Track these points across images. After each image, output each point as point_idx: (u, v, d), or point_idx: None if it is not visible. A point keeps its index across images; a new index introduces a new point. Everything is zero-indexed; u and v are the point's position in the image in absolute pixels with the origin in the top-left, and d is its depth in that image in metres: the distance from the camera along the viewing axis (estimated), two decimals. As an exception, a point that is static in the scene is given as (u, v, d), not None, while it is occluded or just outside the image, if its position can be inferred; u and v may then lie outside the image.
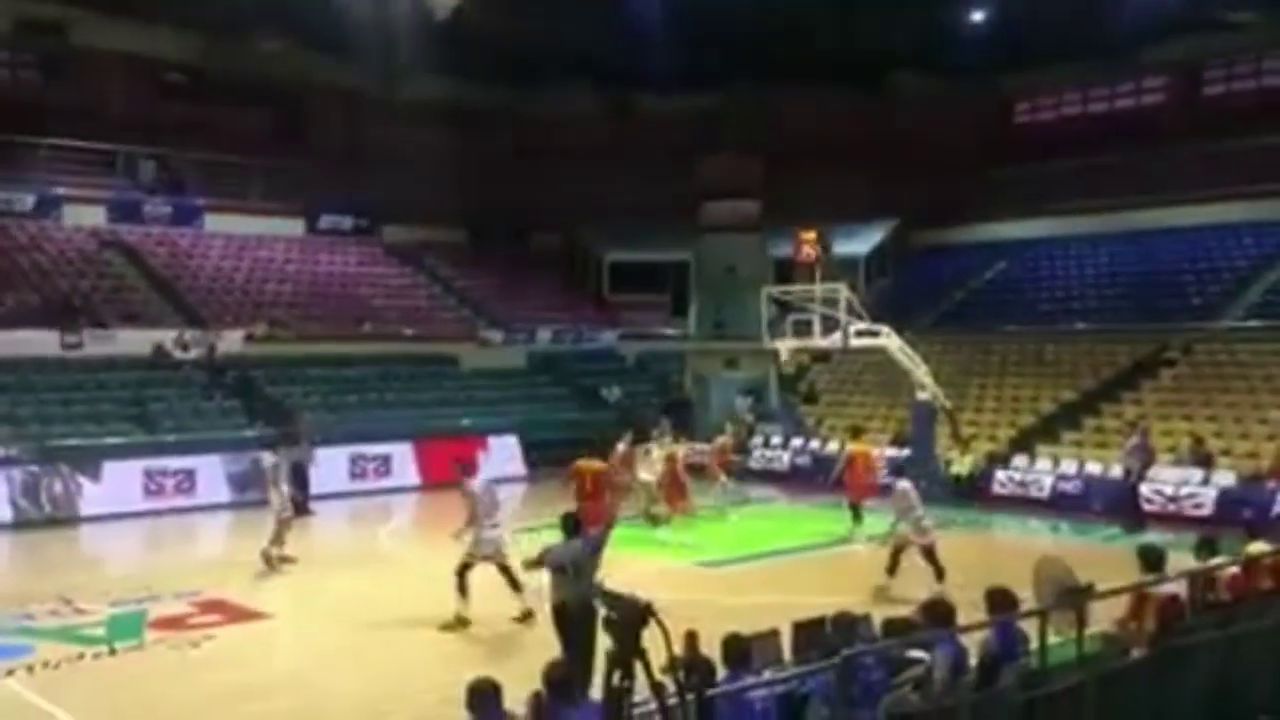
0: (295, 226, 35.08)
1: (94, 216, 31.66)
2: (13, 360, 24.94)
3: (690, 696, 4.61)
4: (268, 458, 18.14)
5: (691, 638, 8.34)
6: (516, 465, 27.42)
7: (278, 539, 16.81)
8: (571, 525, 11.13)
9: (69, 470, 22.01)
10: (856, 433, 21.57)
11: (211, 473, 23.42)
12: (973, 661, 7.33)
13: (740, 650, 7.19)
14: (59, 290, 27.81)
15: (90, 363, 26.21)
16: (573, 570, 10.40)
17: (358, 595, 15.05)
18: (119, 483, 22.27)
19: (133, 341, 27.07)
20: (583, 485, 17.38)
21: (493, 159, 36.19)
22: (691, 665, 7.12)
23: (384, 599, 14.72)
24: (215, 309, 29.75)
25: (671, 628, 4.36)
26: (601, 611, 6.46)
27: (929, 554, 14.65)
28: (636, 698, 4.29)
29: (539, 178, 35.89)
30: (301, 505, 20.39)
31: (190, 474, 23.26)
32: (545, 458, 25.81)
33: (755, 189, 35.58)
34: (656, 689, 4.29)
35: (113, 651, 12.46)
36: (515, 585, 13.22)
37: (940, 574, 14.31)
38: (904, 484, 15.41)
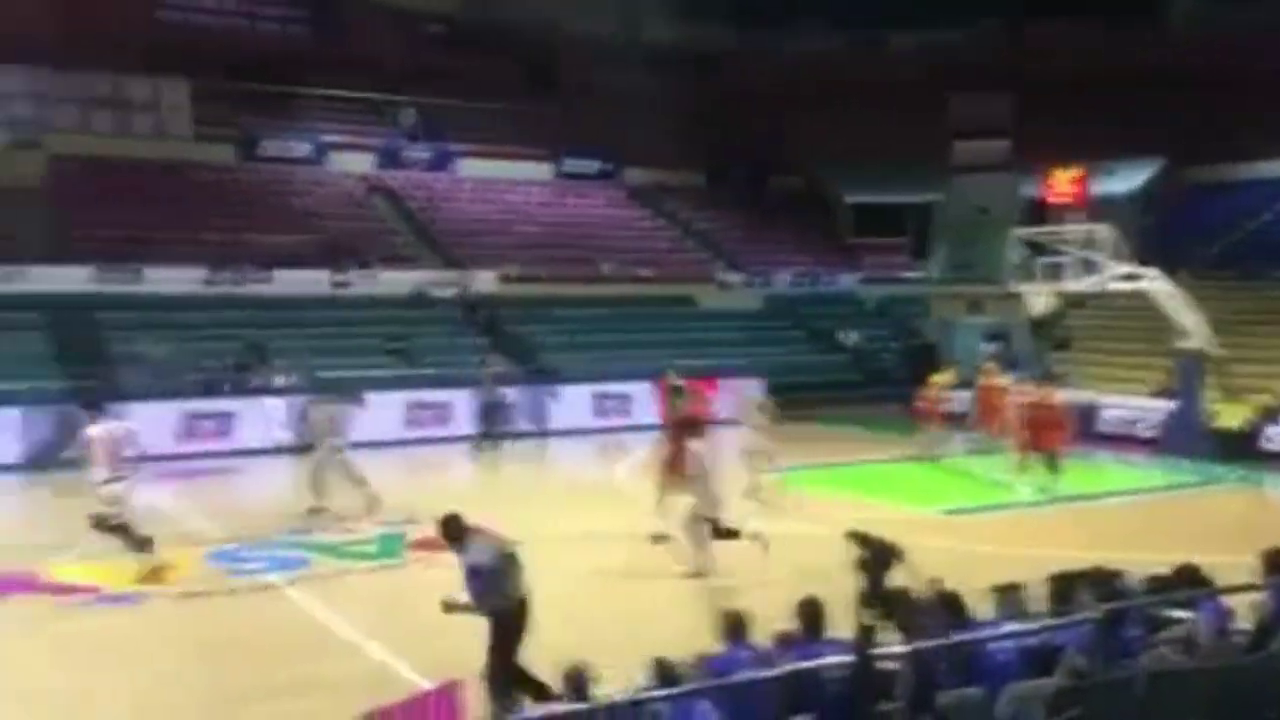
0: (543, 171, 36.12)
1: (360, 163, 33.61)
2: (288, 298, 26.96)
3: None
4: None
5: (937, 583, 8.19)
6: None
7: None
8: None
9: (338, 398, 23.63)
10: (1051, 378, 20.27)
11: (465, 406, 24.61)
12: (1240, 625, 6.90)
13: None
14: (329, 233, 29.74)
15: (356, 301, 28.00)
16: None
17: (598, 528, 15.49)
18: (381, 413, 23.68)
19: (394, 282, 28.71)
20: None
21: (732, 101, 36.08)
22: (933, 610, 6.97)
23: (621, 533, 15.08)
24: (468, 250, 31.09)
25: (920, 573, 4.30)
26: (853, 551, 6.45)
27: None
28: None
29: (778, 120, 35.54)
30: (491, 438, 22.71)
31: (446, 407, 24.54)
32: (778, 401, 25.67)
33: (1007, 127, 34.03)
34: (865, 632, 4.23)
35: (378, 568, 13.42)
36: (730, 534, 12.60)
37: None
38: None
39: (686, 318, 31.72)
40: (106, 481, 12.41)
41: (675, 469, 13.98)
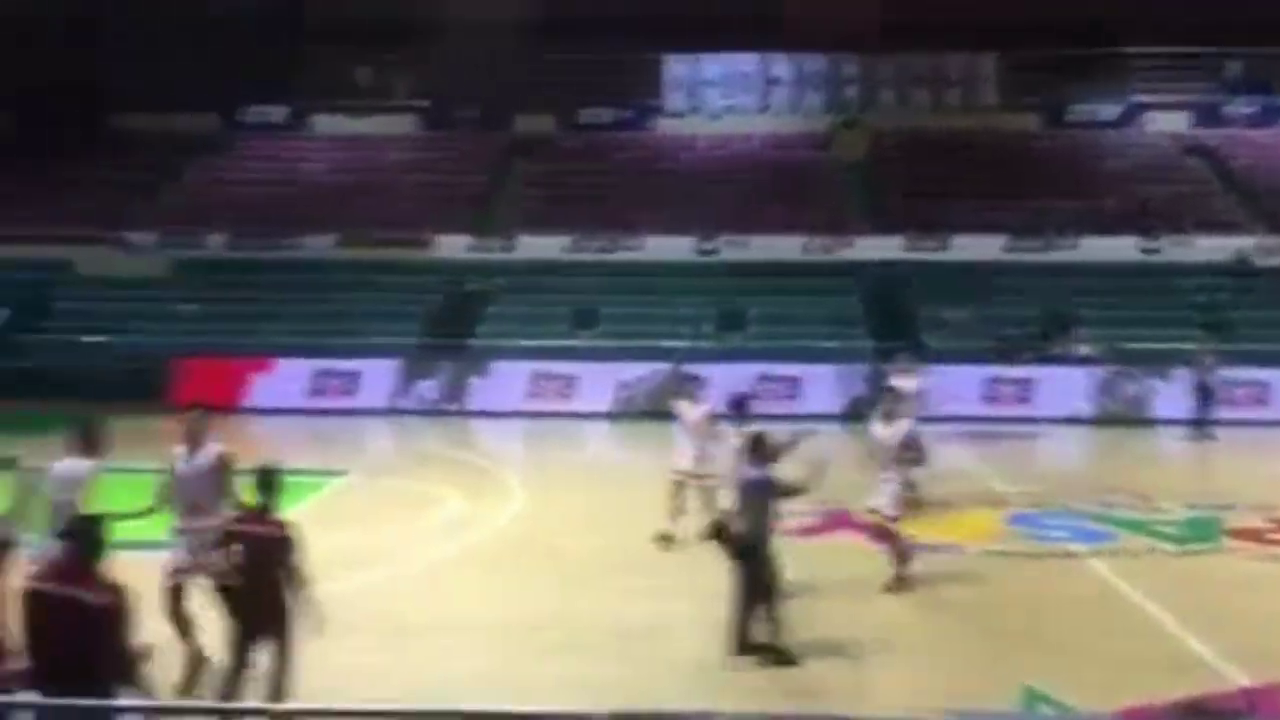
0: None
1: (1174, 122, 31.45)
2: (1092, 265, 26.19)
3: None
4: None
5: None
6: None
7: None
8: None
9: (1140, 373, 22.57)
10: None
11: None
12: None
13: None
14: (1137, 197, 28.28)
15: (1167, 269, 26.32)
16: None
17: None
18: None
19: (1212, 248, 26.47)
20: None
21: None
22: None
23: None
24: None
25: None
26: None
27: None
28: None
29: None
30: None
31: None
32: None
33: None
34: None
35: (1188, 550, 12.51)
36: None
37: None
38: None
39: None
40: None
41: None
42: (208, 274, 27.39)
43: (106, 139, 30.86)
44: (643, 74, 33.03)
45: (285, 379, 23.58)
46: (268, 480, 7.28)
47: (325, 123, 32.97)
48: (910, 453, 10.73)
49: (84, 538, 5.75)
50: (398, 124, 32.85)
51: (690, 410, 12.24)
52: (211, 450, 8.38)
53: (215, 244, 28.21)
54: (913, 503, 12.79)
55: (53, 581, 5.66)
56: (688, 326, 24.69)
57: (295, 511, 12.90)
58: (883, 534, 11.02)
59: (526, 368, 23.62)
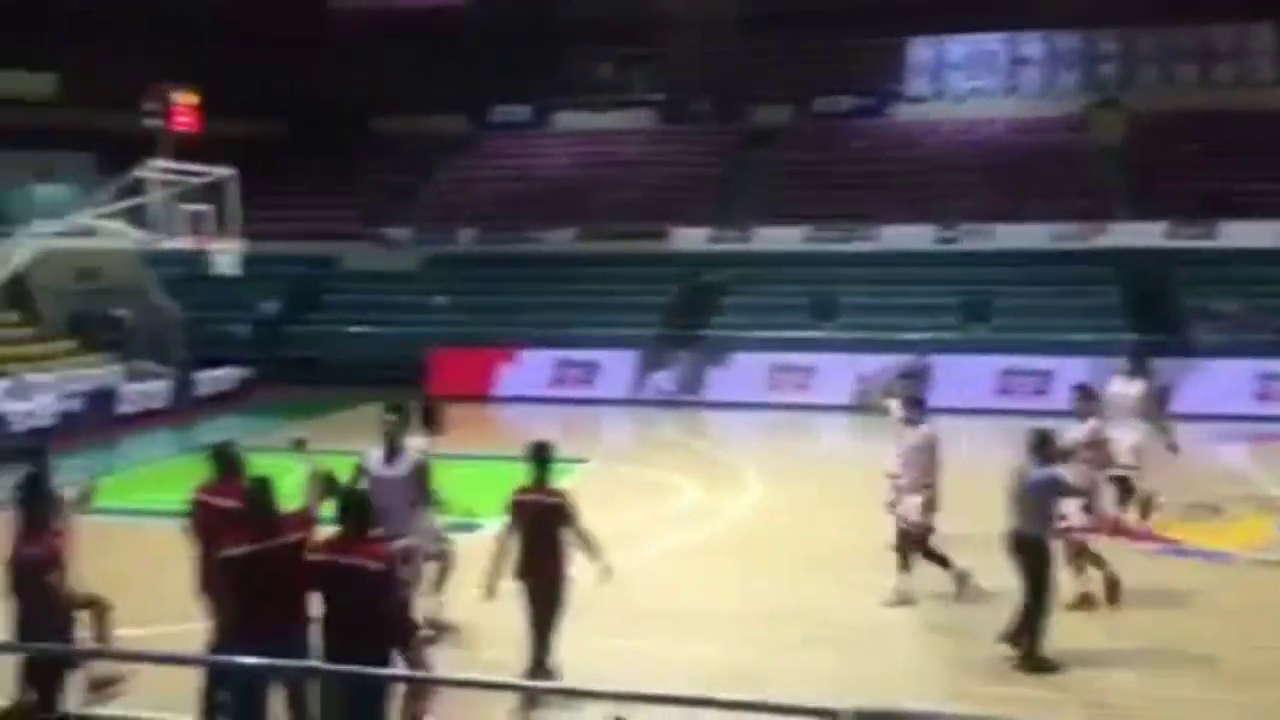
0: None
1: None
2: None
3: None
4: None
5: None
6: None
7: None
8: None
9: None
10: None
11: None
12: None
13: None
14: None
15: None
16: None
17: None
18: None
19: None
20: None
21: None
22: None
23: None
24: None
25: None
26: None
27: None
28: None
29: None
30: None
31: None
32: None
33: None
34: None
35: None
36: None
37: None
38: None
39: None
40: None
41: None
42: (457, 269, 28.68)
43: (369, 143, 32.83)
44: (884, 59, 32.29)
45: (529, 369, 24.38)
46: (541, 455, 7.88)
47: (566, 119, 33.88)
48: (1093, 454, 9.95)
49: (357, 511, 6.20)
50: (636, 119, 33.38)
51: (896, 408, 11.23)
52: (409, 455, 8.46)
53: (464, 239, 29.49)
54: (1145, 503, 11.98)
55: (334, 553, 6.09)
56: (928, 317, 24.01)
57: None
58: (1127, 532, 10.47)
59: (764, 359, 23.55)
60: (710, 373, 23.81)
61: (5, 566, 6.87)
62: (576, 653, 7.88)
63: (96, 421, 19.23)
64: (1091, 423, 10.26)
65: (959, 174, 28.47)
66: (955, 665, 8.64)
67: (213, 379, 23.58)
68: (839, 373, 22.69)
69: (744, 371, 23.50)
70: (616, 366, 24.15)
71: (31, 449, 9.76)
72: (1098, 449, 10.14)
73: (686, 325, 25.42)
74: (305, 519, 6.71)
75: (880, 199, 27.84)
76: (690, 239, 28.27)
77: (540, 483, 7.80)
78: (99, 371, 22.17)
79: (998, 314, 24.45)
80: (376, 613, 6.04)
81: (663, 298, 26.75)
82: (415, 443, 8.67)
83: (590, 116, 33.41)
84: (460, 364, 23.99)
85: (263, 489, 6.53)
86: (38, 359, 22.01)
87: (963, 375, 20.59)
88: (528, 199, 30.51)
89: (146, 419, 20.84)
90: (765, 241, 27.76)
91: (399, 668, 6.26)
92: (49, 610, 6.80)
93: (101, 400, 20.40)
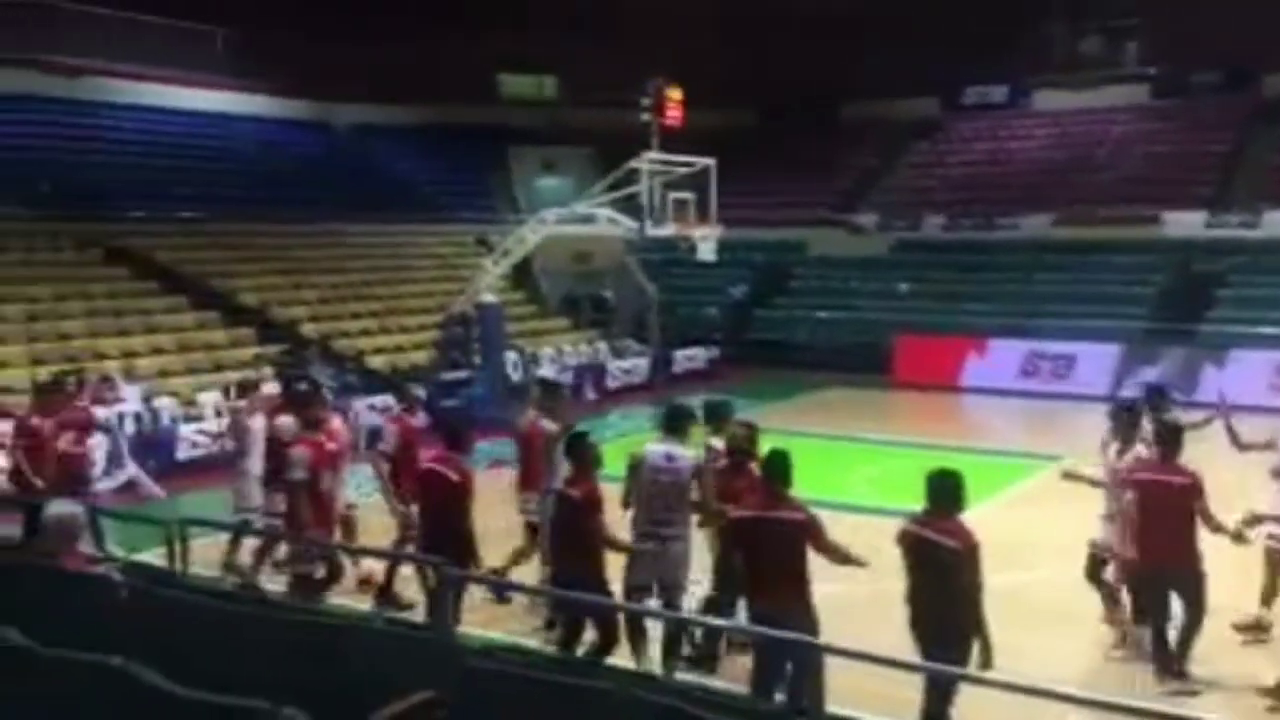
0: None
1: None
2: None
3: None
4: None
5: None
6: None
7: None
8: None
9: None
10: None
11: None
12: None
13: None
14: None
15: None
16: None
17: None
18: None
19: None
20: None
21: None
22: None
23: None
24: None
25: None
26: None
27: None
28: None
29: None
30: None
31: None
32: None
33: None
34: None
35: None
36: None
37: None
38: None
39: None
40: None
41: None
42: (924, 254, 28.17)
43: (838, 129, 32.99)
44: None
45: (997, 360, 23.43)
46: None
47: (1044, 98, 32.16)
48: None
49: (938, 492, 6.58)
50: (1125, 94, 30.97)
51: None
52: (689, 454, 7.86)
53: (931, 225, 28.89)
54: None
55: (921, 528, 6.59)
56: None
57: (1002, 494, 12.81)
58: None
59: (1269, 358, 21.06)
60: (1205, 370, 21.64)
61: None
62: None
63: (590, 393, 20.99)
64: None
65: None
66: None
67: (686, 358, 24.96)
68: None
69: (1246, 371, 21.12)
70: (1095, 360, 22.62)
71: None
72: None
73: (1178, 318, 23.30)
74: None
75: None
76: (1185, 224, 25.84)
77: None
78: (587, 349, 24.21)
79: None
80: (958, 585, 6.30)
81: (1150, 288, 24.74)
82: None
83: (1072, 95, 31.47)
84: (926, 351, 23.58)
85: (781, 460, 6.85)
86: (540, 335, 24.43)
87: None
88: (999, 183, 29.39)
89: (628, 393, 22.39)
90: (1273, 227, 24.81)
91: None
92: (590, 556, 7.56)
93: (594, 374, 22.27)
